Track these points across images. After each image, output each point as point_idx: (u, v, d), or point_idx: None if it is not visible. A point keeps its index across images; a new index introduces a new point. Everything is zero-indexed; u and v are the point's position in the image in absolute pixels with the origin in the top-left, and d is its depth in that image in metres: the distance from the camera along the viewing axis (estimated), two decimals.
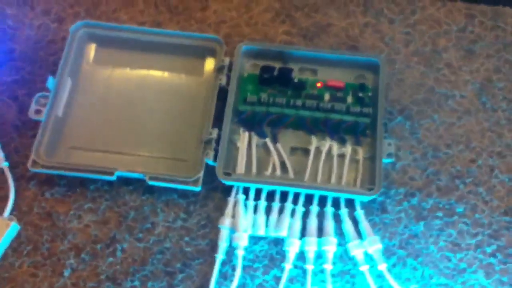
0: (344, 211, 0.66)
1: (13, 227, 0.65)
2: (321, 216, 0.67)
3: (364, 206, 0.67)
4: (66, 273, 0.65)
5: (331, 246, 0.65)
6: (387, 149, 0.68)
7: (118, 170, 0.66)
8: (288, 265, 0.65)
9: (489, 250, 0.66)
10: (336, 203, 0.67)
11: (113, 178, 0.66)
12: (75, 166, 0.67)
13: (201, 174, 0.66)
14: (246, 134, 0.70)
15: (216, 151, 0.67)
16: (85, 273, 0.65)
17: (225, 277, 0.64)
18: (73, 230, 0.66)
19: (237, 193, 0.67)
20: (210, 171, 0.66)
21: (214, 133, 0.68)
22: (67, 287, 0.64)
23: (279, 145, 0.70)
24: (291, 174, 0.68)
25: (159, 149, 0.69)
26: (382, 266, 0.64)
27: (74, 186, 0.68)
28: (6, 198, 0.67)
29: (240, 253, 0.65)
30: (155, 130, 0.70)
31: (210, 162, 0.67)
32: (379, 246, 0.65)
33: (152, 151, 0.69)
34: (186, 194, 0.67)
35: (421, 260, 0.65)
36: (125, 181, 0.67)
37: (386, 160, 0.67)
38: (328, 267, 0.65)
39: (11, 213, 0.66)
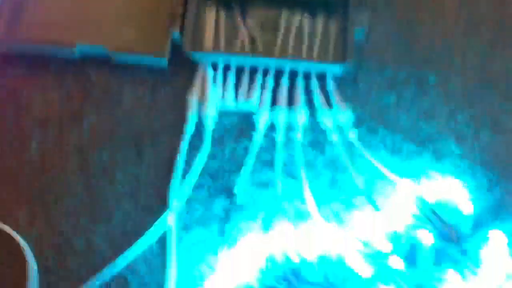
0: (315, 82, 0.65)
1: None
2: (291, 88, 0.65)
3: (336, 78, 0.65)
4: (34, 145, 0.64)
5: (301, 117, 0.64)
6: (359, 20, 0.66)
7: (80, 43, 0.64)
8: (258, 136, 0.64)
9: (461, 118, 0.65)
10: (307, 75, 0.65)
11: (76, 52, 0.64)
12: (36, 41, 0.65)
13: (168, 46, 0.65)
14: (214, 8, 0.68)
15: (183, 24, 0.65)
16: (52, 146, 0.63)
17: (194, 148, 0.63)
18: (38, 106, 0.65)
19: (205, 67, 0.66)
20: (177, 49, 0.65)
21: (180, 5, 0.66)
22: (34, 160, 0.63)
23: (248, 21, 0.68)
24: (260, 48, 0.66)
25: (124, 23, 0.67)
26: (352, 135, 0.63)
27: (36, 64, 0.66)
28: None
29: (209, 125, 0.63)
30: (121, 2, 0.68)
31: (177, 35, 0.65)
32: (349, 115, 0.64)
33: (117, 24, 0.67)
34: (153, 70, 0.66)
35: (392, 129, 0.64)
36: (89, 58, 0.66)
37: (358, 33, 0.65)
38: (299, 137, 0.63)
39: None
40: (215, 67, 0.65)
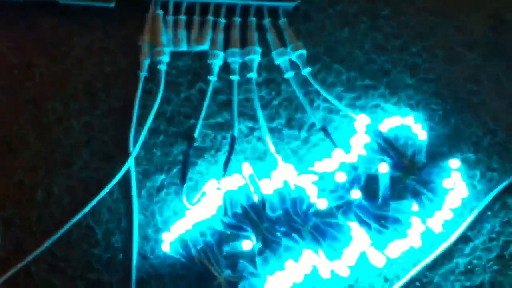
0: (267, 20, 0.64)
1: None
2: (243, 27, 0.65)
3: (288, 14, 0.65)
4: None
5: (255, 56, 0.63)
6: None
7: None
8: (213, 78, 0.63)
9: (414, 50, 0.65)
10: (259, 14, 0.65)
11: None
12: None
13: None
14: None
15: None
16: (5, 98, 0.62)
17: (149, 93, 0.63)
18: None
19: (154, 9, 0.64)
20: None
21: None
22: None
23: None
24: None
25: None
26: (306, 71, 0.63)
27: None
28: None
29: (162, 68, 0.63)
30: None
31: None
32: (303, 51, 0.64)
33: None
34: (102, 14, 0.64)
35: (346, 65, 0.64)
36: (37, 5, 0.64)
37: None
38: (253, 76, 0.63)
39: None
40: (165, 7, 0.64)
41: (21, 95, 0.63)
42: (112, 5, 0.63)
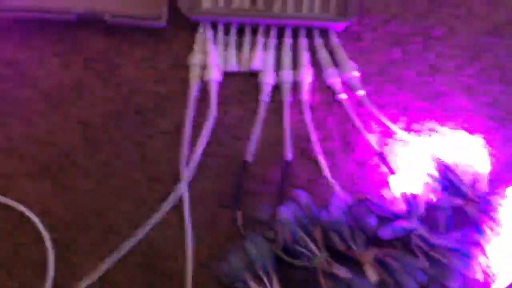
0: (318, 41, 0.64)
1: None
2: (294, 48, 0.64)
3: (339, 35, 0.64)
4: (36, 118, 0.62)
5: (307, 77, 0.62)
6: None
7: (76, 10, 0.62)
8: (264, 99, 0.62)
9: (469, 72, 0.64)
10: (310, 34, 0.64)
11: (72, 18, 0.62)
12: (30, 7, 0.62)
13: (165, 8, 0.62)
14: None
15: None
16: (55, 118, 0.62)
17: (200, 114, 0.62)
18: (38, 76, 0.63)
19: (205, 29, 0.64)
20: (175, 10, 0.63)
21: None
22: (39, 134, 0.62)
23: None
24: (260, 4, 0.64)
25: None
26: (361, 93, 0.62)
27: (33, 31, 0.64)
28: None
29: (213, 88, 0.62)
30: None
31: None
32: (356, 73, 0.62)
33: None
34: (152, 34, 0.64)
35: (399, 86, 0.63)
36: (85, 23, 0.63)
37: None
38: (305, 98, 0.62)
39: None
40: (215, 28, 0.63)
41: (71, 115, 0.62)
42: (163, 24, 0.63)
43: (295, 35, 0.64)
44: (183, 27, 0.64)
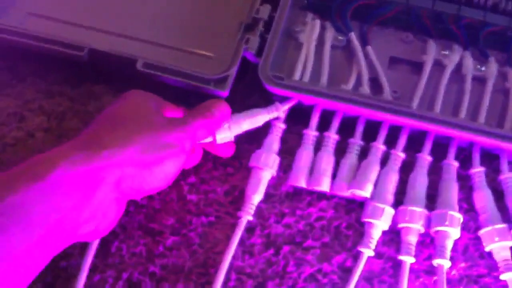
0: (481, 171, 0.36)
1: None
2: (434, 172, 0.37)
3: None
4: None
5: (451, 229, 0.35)
6: None
7: (91, 46, 0.39)
8: (367, 250, 0.35)
9: None
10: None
11: (83, 55, 0.39)
12: (34, 33, 0.41)
13: (232, 71, 0.38)
14: (317, 23, 0.42)
15: (263, 41, 0.40)
16: None
17: (250, 254, 0.35)
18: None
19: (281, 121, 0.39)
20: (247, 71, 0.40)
21: (264, 11, 0.41)
22: None
23: (369, 49, 0.41)
24: (388, 95, 0.39)
25: (167, 35, 0.42)
26: None
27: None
28: None
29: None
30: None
31: (251, 56, 0.40)
32: None
33: (154, 35, 0.42)
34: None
35: None
36: (145, 87, 0.39)
37: None
38: (442, 263, 0.34)
39: None
40: (300, 114, 0.38)
41: None
42: (225, 94, 0.38)
43: (440, 152, 0.38)
44: (255, 101, 0.39)
